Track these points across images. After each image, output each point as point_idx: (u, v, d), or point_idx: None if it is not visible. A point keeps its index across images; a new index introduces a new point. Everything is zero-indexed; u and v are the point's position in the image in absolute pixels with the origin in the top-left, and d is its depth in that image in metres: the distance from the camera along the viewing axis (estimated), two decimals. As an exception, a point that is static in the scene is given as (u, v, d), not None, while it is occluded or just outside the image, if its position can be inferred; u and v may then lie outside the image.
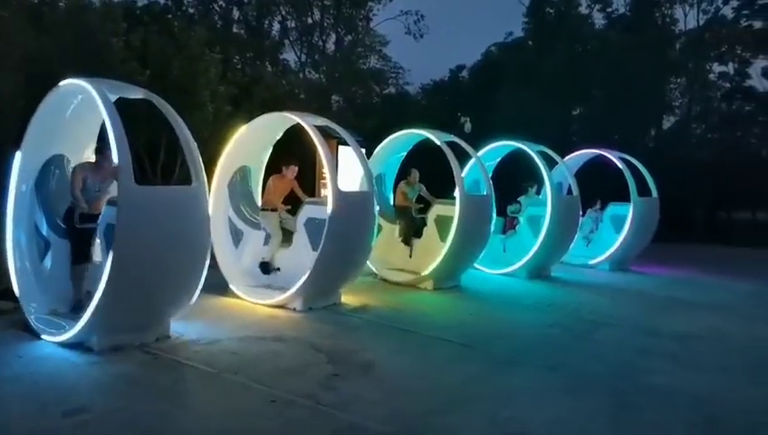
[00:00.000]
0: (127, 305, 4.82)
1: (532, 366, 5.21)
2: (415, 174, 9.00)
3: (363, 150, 7.62)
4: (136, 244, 4.63)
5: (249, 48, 18.37)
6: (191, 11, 18.60)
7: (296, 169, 7.34)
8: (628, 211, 11.09)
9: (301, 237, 6.91)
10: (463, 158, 9.04)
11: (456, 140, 8.78)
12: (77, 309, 5.16)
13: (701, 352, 5.95)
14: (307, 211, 6.90)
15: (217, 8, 19.62)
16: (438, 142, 8.32)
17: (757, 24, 22.74)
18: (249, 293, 6.93)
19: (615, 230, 11.39)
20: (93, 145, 5.80)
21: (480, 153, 9.56)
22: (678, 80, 23.85)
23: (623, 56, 19.97)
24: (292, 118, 7.10)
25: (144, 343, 5.03)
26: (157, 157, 11.26)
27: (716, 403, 4.49)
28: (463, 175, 8.58)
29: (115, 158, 4.54)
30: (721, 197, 21.60)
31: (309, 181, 11.14)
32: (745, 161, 22.26)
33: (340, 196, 6.38)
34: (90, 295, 4.97)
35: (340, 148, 10.81)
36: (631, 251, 11.41)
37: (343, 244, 6.44)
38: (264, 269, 7.12)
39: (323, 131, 6.89)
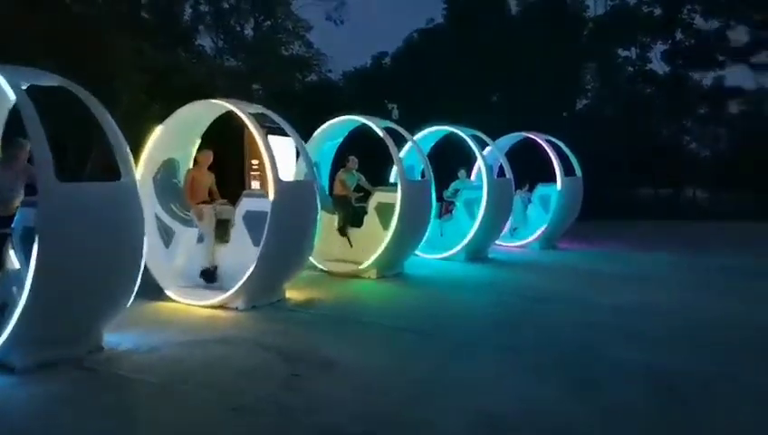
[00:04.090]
0: (53, 316, 4.31)
1: (490, 348, 5.20)
2: (354, 161, 8.76)
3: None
4: (61, 247, 4.13)
5: (159, 34, 17.24)
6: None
7: (210, 154, 6.84)
8: (555, 191, 11.46)
9: (239, 232, 6.51)
10: (397, 144, 8.91)
11: (394, 126, 8.65)
12: None
13: (641, 323, 6.16)
14: (246, 204, 6.48)
15: (122, -9, 18.24)
16: (377, 129, 8.14)
17: (657, 12, 24.33)
18: (184, 294, 6.45)
19: (543, 210, 11.75)
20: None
21: (415, 138, 9.48)
22: (590, 64, 25.03)
23: (538, 41, 20.63)
24: (223, 105, 6.65)
25: (75, 357, 4.52)
26: (64, 152, 10.38)
27: (671, 373, 4.62)
28: (400, 161, 8.46)
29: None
30: (629, 175, 22.99)
31: (237, 173, 10.62)
32: (649, 142, 23.85)
33: (282, 186, 6.06)
34: (6, 308, 4.41)
35: (269, 137, 10.37)
36: (559, 229, 11.83)
37: (287, 236, 6.14)
38: (207, 278, 6.60)
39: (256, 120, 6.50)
